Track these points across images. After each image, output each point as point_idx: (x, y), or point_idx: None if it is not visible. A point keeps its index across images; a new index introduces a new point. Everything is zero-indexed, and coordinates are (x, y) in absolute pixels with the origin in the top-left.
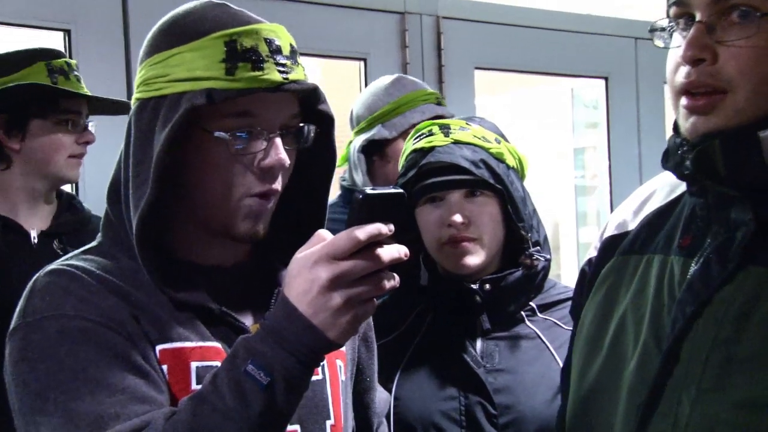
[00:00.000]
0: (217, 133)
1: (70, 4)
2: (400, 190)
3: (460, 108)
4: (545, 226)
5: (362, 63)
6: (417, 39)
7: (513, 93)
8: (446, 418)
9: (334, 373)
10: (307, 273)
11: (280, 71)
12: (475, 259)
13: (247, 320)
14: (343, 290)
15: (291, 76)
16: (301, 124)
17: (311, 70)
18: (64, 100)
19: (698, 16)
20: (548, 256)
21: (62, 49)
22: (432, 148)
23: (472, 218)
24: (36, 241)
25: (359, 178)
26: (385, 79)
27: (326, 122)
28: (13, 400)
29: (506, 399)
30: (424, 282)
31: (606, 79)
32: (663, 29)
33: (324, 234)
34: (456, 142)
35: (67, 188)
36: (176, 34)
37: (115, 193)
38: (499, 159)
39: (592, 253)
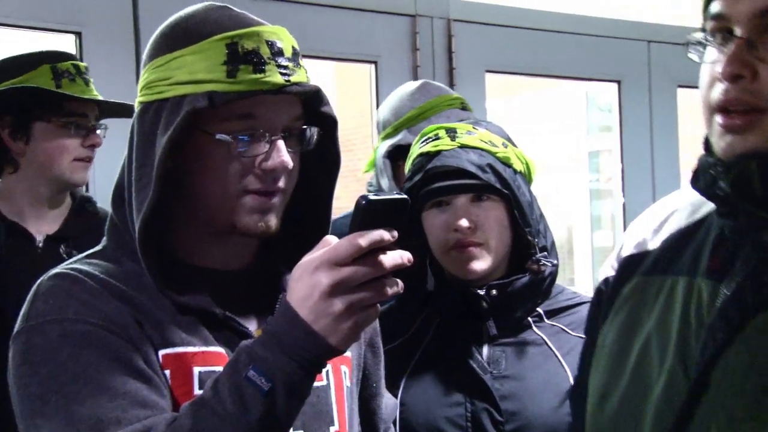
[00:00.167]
0: (218, 136)
1: (80, 6)
2: (404, 196)
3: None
4: (560, 230)
5: (373, 66)
6: (428, 42)
7: (526, 96)
8: (452, 425)
9: (339, 378)
10: (309, 278)
11: (281, 73)
12: (481, 264)
13: (251, 325)
14: (344, 296)
15: (293, 78)
16: (304, 127)
17: (325, 74)
18: (69, 103)
19: (738, 32)
20: (555, 262)
21: (73, 52)
22: (438, 152)
23: (478, 223)
24: (41, 245)
25: (385, 183)
26: (411, 85)
27: (329, 124)
28: (15, 403)
29: (512, 405)
30: (431, 287)
31: (618, 82)
32: (698, 43)
33: (331, 240)
34: (462, 147)
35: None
36: (178, 37)
37: (119, 196)
38: (506, 163)
39: (609, 272)
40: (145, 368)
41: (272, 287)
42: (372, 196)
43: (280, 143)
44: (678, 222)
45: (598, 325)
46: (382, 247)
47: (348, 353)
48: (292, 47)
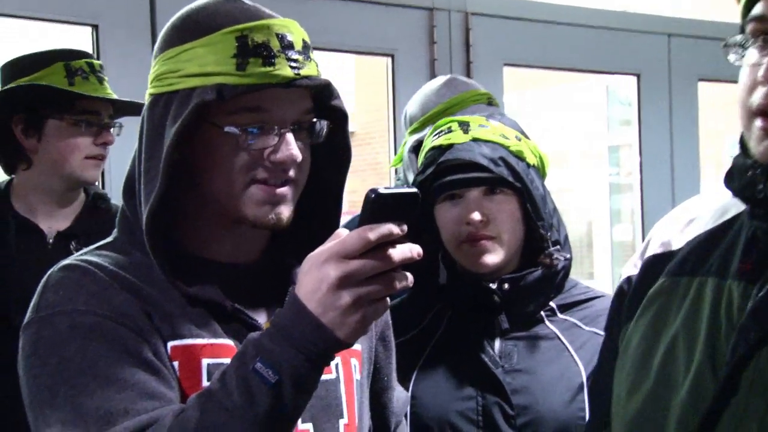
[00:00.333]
0: (227, 128)
1: None
2: (414, 190)
3: None
4: (579, 224)
5: (390, 59)
6: (445, 35)
7: (546, 90)
8: (463, 418)
9: (349, 371)
10: (317, 271)
11: (291, 66)
12: (493, 257)
13: (261, 318)
14: (352, 289)
15: (303, 72)
16: (314, 120)
17: (345, 67)
18: (81, 101)
19: None
20: (568, 256)
21: (90, 45)
22: (451, 146)
23: (490, 216)
24: (52, 241)
25: (411, 177)
26: (439, 80)
27: (340, 118)
28: (25, 394)
29: (524, 399)
30: (443, 281)
31: (638, 76)
32: (739, 45)
33: (342, 233)
34: (475, 140)
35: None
36: (188, 29)
37: (130, 188)
38: (519, 157)
39: (632, 271)
40: (153, 360)
41: (282, 280)
42: (381, 190)
43: (290, 136)
44: (705, 223)
45: (621, 324)
46: (391, 240)
47: (358, 346)
48: (303, 40)
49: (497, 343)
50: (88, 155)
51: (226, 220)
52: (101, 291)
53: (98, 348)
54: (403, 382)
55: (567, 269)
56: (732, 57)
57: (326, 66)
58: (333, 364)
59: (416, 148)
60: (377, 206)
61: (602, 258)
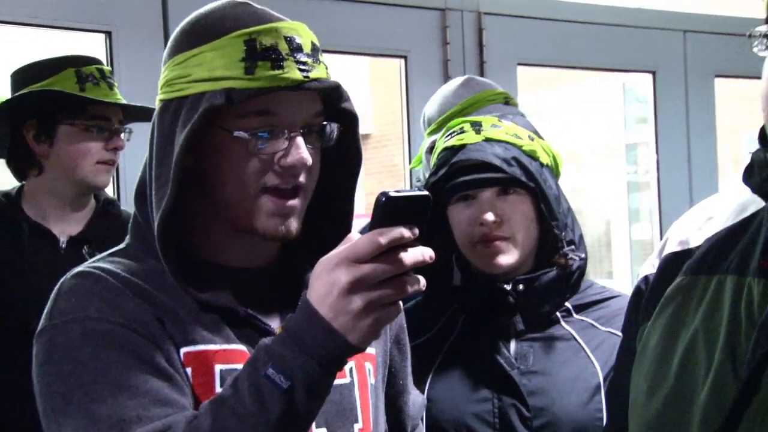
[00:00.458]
0: (236, 133)
1: (110, 6)
2: (425, 193)
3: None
4: (597, 223)
5: (403, 60)
6: (458, 35)
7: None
8: (479, 421)
9: (363, 376)
10: (328, 276)
11: (300, 69)
12: (507, 258)
13: (274, 323)
14: (363, 293)
15: (312, 75)
16: (324, 123)
17: (359, 70)
18: (92, 107)
19: None
20: (583, 255)
21: (103, 51)
22: (463, 146)
23: (504, 217)
24: (64, 246)
25: None
26: (456, 81)
27: (351, 120)
28: (39, 401)
29: (540, 401)
30: (457, 282)
31: (653, 73)
32: (763, 35)
33: (353, 237)
34: (488, 140)
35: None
36: (197, 34)
37: (142, 195)
38: (532, 156)
39: (649, 270)
40: (166, 366)
41: (295, 285)
42: (392, 193)
43: (299, 140)
44: (723, 221)
45: (638, 324)
46: (403, 244)
47: (373, 350)
48: (312, 42)
49: (513, 345)
50: (100, 160)
51: (238, 226)
52: (114, 298)
53: (111, 355)
54: (419, 385)
55: (582, 269)
56: (757, 48)
57: (340, 68)
58: (347, 368)
59: (432, 149)
60: (388, 210)
61: (621, 257)
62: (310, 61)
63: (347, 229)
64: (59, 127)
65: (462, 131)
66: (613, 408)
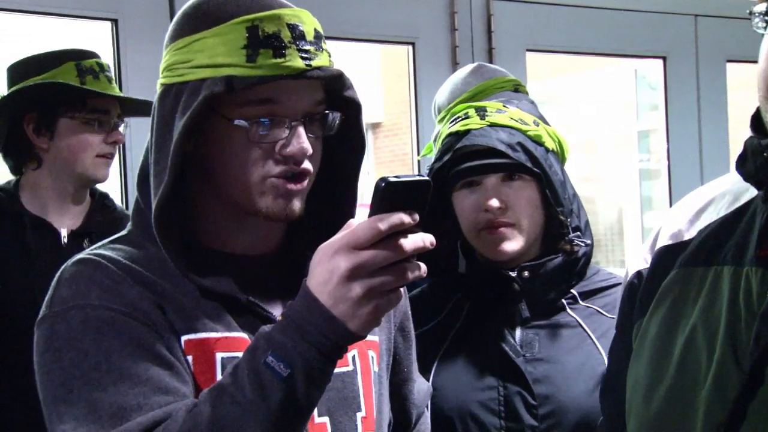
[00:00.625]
0: (237, 121)
1: None
2: (425, 178)
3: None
4: (610, 211)
5: (411, 47)
6: (466, 22)
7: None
8: (484, 409)
9: (366, 364)
10: (327, 263)
11: (302, 58)
12: (512, 245)
13: (276, 310)
14: (363, 280)
15: (314, 63)
16: (326, 111)
17: (370, 58)
18: (93, 100)
19: None
20: (589, 242)
21: (109, 39)
22: (467, 132)
23: (509, 203)
24: (66, 240)
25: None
26: (466, 68)
27: (354, 108)
28: (40, 390)
29: (546, 389)
30: (462, 270)
31: (664, 58)
32: (763, 13)
33: (353, 224)
34: (492, 125)
35: (116, 186)
36: (199, 18)
37: (143, 180)
38: (537, 142)
39: (642, 264)
40: (167, 354)
41: (297, 272)
42: (392, 178)
43: (300, 129)
44: (717, 211)
45: (633, 320)
46: (403, 230)
47: (376, 338)
48: (315, 30)
49: (518, 332)
50: (99, 153)
51: (240, 212)
52: (114, 285)
53: (112, 343)
54: (424, 373)
55: (588, 256)
56: (755, 26)
57: (352, 57)
58: (349, 356)
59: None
60: (387, 195)
61: (634, 245)
62: (312, 49)
63: (350, 217)
64: (60, 120)
65: (466, 116)
66: (608, 406)
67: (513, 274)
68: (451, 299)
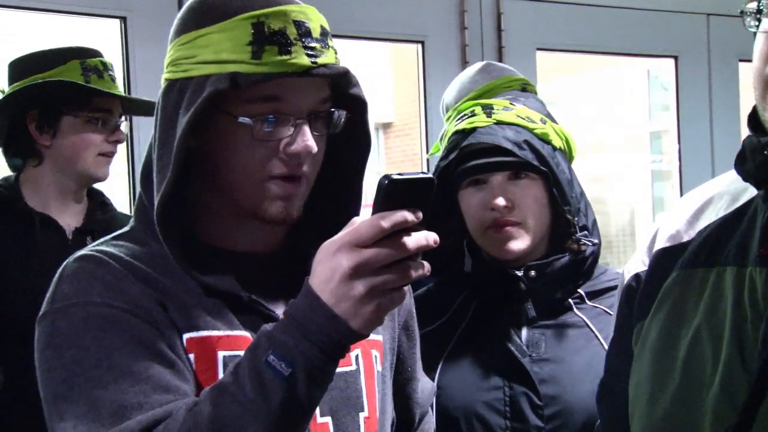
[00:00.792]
0: (241, 119)
1: None
2: (429, 175)
3: None
4: (621, 212)
5: (420, 46)
6: (476, 20)
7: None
8: (490, 409)
9: (369, 363)
10: (330, 261)
11: (308, 55)
12: (519, 243)
13: (278, 309)
14: (366, 279)
15: (320, 60)
16: (332, 109)
17: (381, 57)
18: (96, 99)
19: None
20: (596, 241)
21: (118, 37)
22: (473, 129)
23: (515, 201)
24: (71, 237)
25: None
26: (475, 67)
27: (360, 106)
28: (41, 387)
29: (552, 389)
30: (468, 269)
31: (676, 57)
32: (754, 12)
33: (357, 222)
34: (498, 123)
35: (123, 183)
36: (205, 13)
37: (147, 176)
38: (544, 140)
39: (639, 267)
40: (168, 352)
41: (300, 270)
42: (395, 176)
43: (305, 127)
44: (716, 211)
45: (633, 323)
46: (406, 228)
47: (379, 337)
48: (321, 27)
49: (524, 332)
50: (101, 152)
51: (242, 210)
52: (116, 282)
53: (113, 340)
54: (429, 372)
55: (596, 255)
56: (748, 24)
57: (362, 57)
58: (352, 355)
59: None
60: (390, 193)
61: None
62: (318, 46)
63: (354, 215)
64: (63, 118)
65: (473, 114)
66: (606, 409)
67: (519, 273)
68: (457, 298)
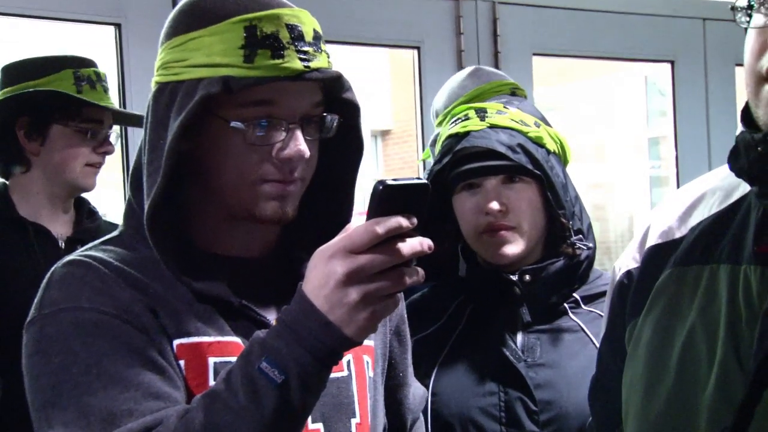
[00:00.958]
0: (233, 123)
1: None
2: (424, 181)
3: None
4: (620, 218)
5: (416, 51)
6: (472, 25)
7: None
8: (485, 415)
9: (361, 369)
10: (324, 267)
11: (301, 59)
12: (513, 248)
13: (270, 314)
14: (360, 285)
15: (313, 64)
16: (324, 114)
17: (379, 63)
18: (86, 110)
19: None
20: (591, 245)
21: (113, 44)
22: (467, 133)
23: (510, 205)
24: (63, 247)
25: None
26: (463, 72)
27: (352, 111)
28: (28, 393)
29: (548, 394)
30: (463, 273)
31: (672, 62)
32: (746, 8)
33: (351, 228)
34: (492, 126)
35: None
36: (196, 16)
37: (136, 180)
38: (539, 143)
39: (631, 264)
40: (158, 359)
41: (293, 275)
42: (389, 181)
43: (298, 132)
44: (709, 207)
45: (625, 321)
46: (401, 234)
47: (371, 342)
48: (314, 30)
49: (519, 337)
50: (88, 163)
51: (234, 214)
52: (105, 288)
53: (102, 346)
54: (424, 378)
55: (591, 259)
56: (739, 21)
57: (360, 65)
58: (344, 361)
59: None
60: (385, 198)
61: None
62: (311, 50)
63: (347, 220)
64: (52, 126)
65: (466, 118)
66: (599, 406)
67: (514, 277)
68: (452, 303)
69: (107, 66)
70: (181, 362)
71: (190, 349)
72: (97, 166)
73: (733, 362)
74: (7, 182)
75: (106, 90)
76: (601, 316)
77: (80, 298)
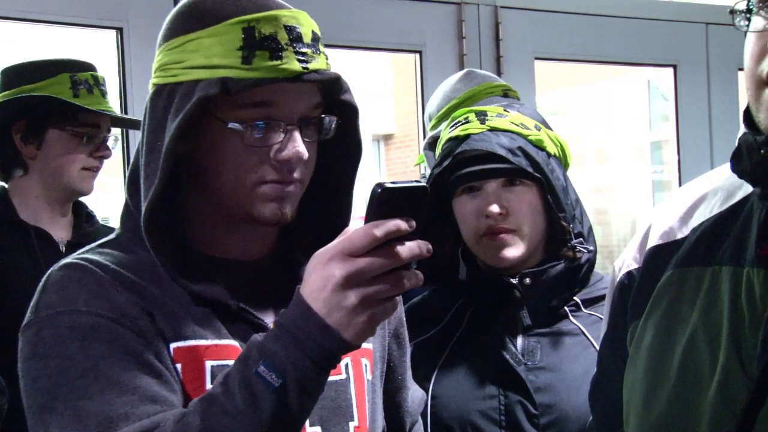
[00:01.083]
0: (231, 125)
1: (121, 2)
2: (422, 184)
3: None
4: (622, 222)
5: (418, 55)
6: (474, 30)
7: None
8: (485, 418)
9: (359, 372)
10: (322, 270)
11: (299, 60)
12: (514, 251)
13: (268, 317)
14: (358, 289)
15: (311, 66)
16: (323, 115)
17: (382, 68)
18: (83, 114)
19: None
20: (592, 248)
21: (114, 48)
22: (467, 136)
23: (510, 208)
24: (64, 250)
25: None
26: (456, 76)
27: (351, 112)
28: (24, 397)
29: (548, 398)
30: (463, 276)
31: (675, 67)
32: (744, 11)
33: (350, 231)
34: (492, 130)
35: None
36: (194, 17)
37: (134, 182)
38: (539, 146)
39: (632, 264)
40: (155, 362)
41: (291, 278)
42: (388, 184)
43: (296, 133)
44: (711, 208)
45: (626, 322)
46: (399, 237)
47: (369, 345)
48: (312, 32)
49: (519, 340)
50: (85, 167)
51: (233, 216)
52: (102, 291)
53: (99, 350)
54: (424, 381)
55: (591, 262)
56: (738, 24)
57: (363, 69)
58: (342, 364)
59: (431, 145)
60: (384, 201)
61: None
62: (309, 51)
63: (345, 223)
64: (49, 130)
65: (467, 121)
66: (599, 407)
67: (514, 281)
68: (452, 306)
69: (109, 70)
70: (178, 365)
71: (187, 353)
72: (94, 170)
73: (735, 366)
74: (7, 186)
75: (104, 94)
76: (602, 319)
77: (77, 302)
